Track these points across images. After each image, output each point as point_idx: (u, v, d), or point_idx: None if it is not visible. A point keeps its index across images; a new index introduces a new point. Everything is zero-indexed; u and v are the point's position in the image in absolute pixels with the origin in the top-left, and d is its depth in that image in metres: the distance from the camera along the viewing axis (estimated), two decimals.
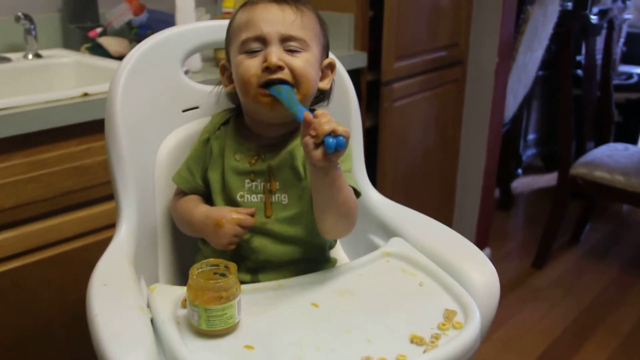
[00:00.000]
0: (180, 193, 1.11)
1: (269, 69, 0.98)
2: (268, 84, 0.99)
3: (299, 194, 1.04)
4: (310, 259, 1.08)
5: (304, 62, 1.00)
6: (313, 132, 0.87)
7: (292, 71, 0.99)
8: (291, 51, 1.00)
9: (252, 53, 1.00)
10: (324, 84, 1.08)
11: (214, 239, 1.01)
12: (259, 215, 1.03)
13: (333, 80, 1.11)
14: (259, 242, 1.04)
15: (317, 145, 0.88)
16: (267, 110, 1.00)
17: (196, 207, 1.05)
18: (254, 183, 1.05)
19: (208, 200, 1.09)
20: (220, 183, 1.07)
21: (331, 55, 1.11)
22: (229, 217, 0.99)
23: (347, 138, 0.86)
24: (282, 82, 0.98)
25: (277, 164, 1.04)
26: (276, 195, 1.04)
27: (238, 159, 1.05)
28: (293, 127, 1.07)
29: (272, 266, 1.05)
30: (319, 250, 1.11)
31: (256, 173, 1.05)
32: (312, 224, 1.02)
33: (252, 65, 0.99)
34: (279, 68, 0.98)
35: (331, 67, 1.10)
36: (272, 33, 0.99)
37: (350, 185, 1.00)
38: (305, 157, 0.91)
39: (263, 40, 1.00)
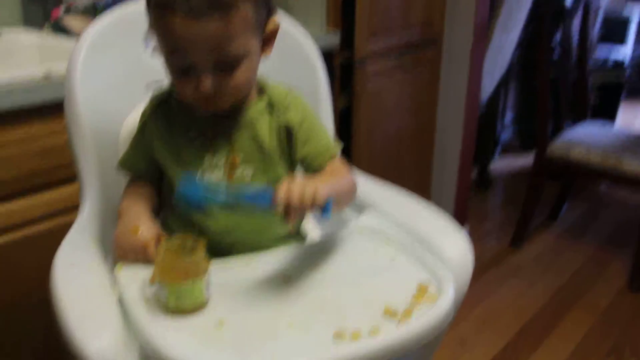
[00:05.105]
0: (132, 180, 1.08)
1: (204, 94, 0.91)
2: None
3: (263, 167, 1.00)
4: (281, 237, 1.06)
5: (242, 75, 0.92)
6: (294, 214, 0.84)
7: (232, 89, 0.92)
8: (226, 67, 0.90)
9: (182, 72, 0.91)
10: (267, 54, 0.98)
11: (119, 238, 0.96)
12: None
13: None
14: (224, 221, 1.00)
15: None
16: (202, 108, 0.95)
17: (135, 204, 1.01)
18: (214, 158, 0.99)
19: (160, 181, 1.06)
20: (173, 160, 1.00)
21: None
22: (147, 234, 0.95)
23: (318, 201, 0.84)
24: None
25: (237, 135, 0.99)
26: (239, 170, 1.00)
27: (193, 135, 1.00)
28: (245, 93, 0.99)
29: (243, 248, 1.02)
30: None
31: (215, 148, 0.99)
32: None
33: (187, 90, 0.91)
34: (215, 94, 0.91)
35: (275, 32, 0.98)
36: (202, 60, 0.88)
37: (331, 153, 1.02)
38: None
39: (192, 65, 0.89)
